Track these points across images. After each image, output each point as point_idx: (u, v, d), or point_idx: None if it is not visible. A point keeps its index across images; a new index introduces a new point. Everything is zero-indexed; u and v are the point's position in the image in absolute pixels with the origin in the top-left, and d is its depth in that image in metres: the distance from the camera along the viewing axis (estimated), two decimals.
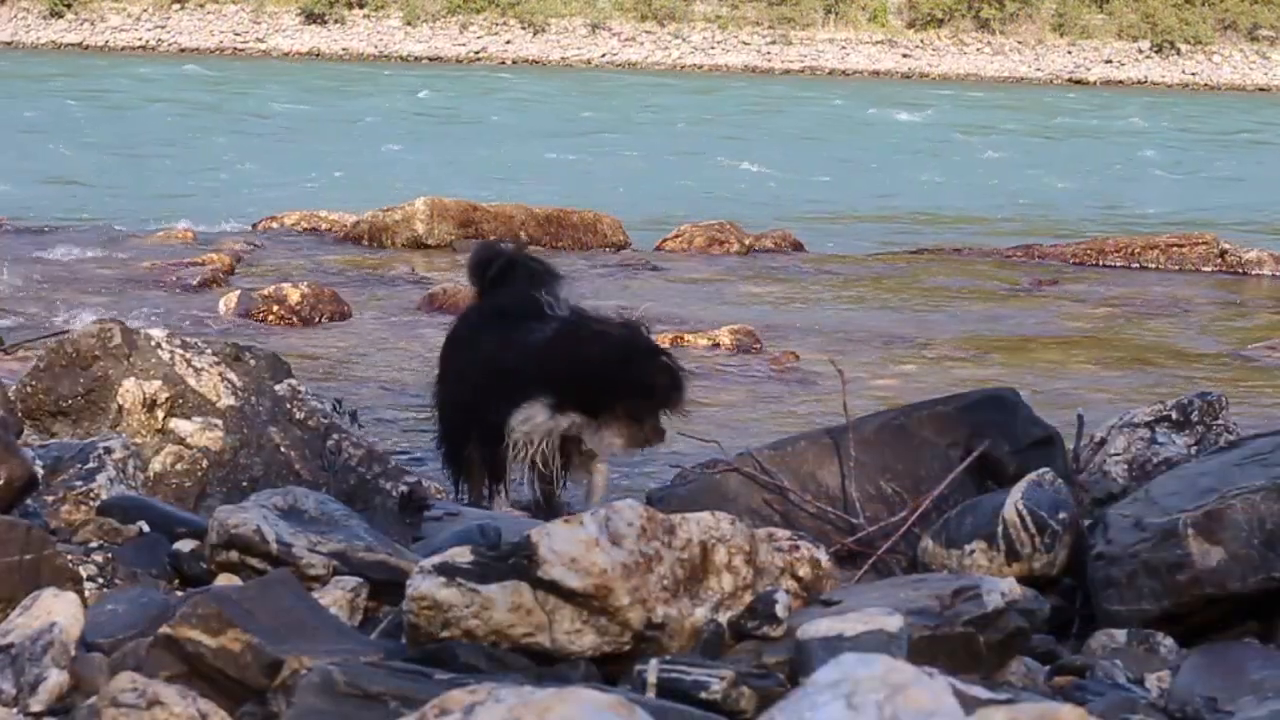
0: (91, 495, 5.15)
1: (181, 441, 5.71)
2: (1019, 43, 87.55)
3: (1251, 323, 13.15)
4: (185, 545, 4.76)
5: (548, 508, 6.70)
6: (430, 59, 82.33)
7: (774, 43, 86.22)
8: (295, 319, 11.69)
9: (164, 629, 3.64)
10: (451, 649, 3.71)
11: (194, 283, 13.13)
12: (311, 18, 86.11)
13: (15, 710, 3.54)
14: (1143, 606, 4.70)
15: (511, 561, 3.83)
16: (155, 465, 5.64)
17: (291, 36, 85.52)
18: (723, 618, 4.00)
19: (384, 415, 8.76)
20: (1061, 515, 5.12)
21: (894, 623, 3.72)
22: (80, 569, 4.41)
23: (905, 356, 11.18)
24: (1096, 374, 10.76)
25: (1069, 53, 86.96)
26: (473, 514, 6.06)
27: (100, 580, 4.52)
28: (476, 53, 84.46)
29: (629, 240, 16.83)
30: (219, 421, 5.78)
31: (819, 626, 3.74)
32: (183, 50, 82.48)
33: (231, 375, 5.93)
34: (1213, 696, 4.05)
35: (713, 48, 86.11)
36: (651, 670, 3.54)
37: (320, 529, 4.61)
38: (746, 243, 16.63)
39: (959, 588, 4.11)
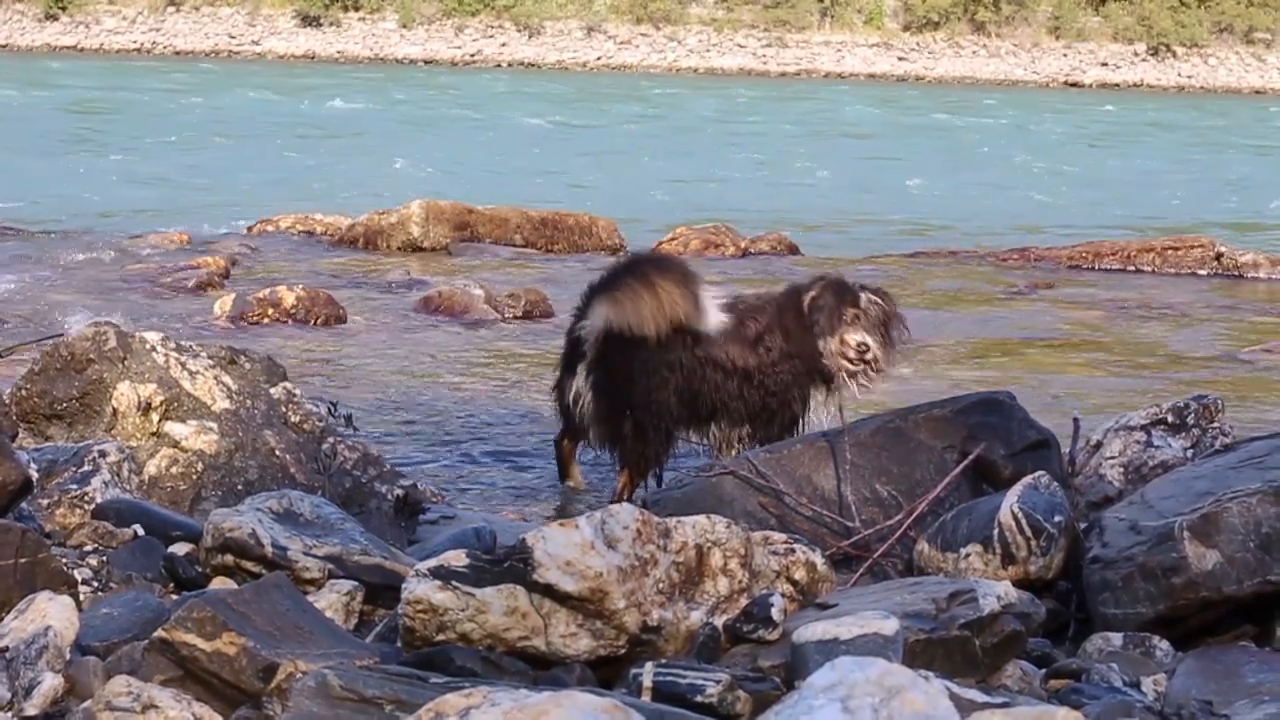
0: (86, 499, 5.15)
1: (176, 445, 5.71)
2: (1015, 45, 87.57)
3: (1247, 325, 13.14)
4: (180, 549, 4.76)
5: None
6: (426, 61, 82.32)
7: (769, 45, 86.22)
8: (290, 322, 11.68)
9: (159, 633, 3.64)
10: (447, 652, 3.71)
11: (189, 286, 13.13)
12: (307, 20, 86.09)
13: (10, 714, 3.54)
14: (1139, 610, 4.70)
15: (507, 565, 3.83)
16: (150, 469, 5.64)
17: (287, 39, 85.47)
18: (718, 621, 4.00)
19: (380, 418, 8.76)
20: (1057, 519, 5.12)
21: (890, 626, 3.72)
22: (75, 573, 4.41)
23: (901, 359, 11.17)
24: (1092, 377, 10.76)
25: (1065, 55, 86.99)
26: (468, 517, 6.06)
27: (95, 584, 4.52)
28: (472, 55, 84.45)
29: (625, 243, 16.82)
30: (214, 425, 5.78)
31: (815, 630, 3.74)
32: (177, 53, 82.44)
33: (226, 378, 5.92)
34: (1208, 700, 4.05)
35: (708, 50, 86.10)
36: (647, 674, 3.54)
37: (316, 532, 4.61)
38: (742, 245, 16.63)
39: (955, 591, 4.11)
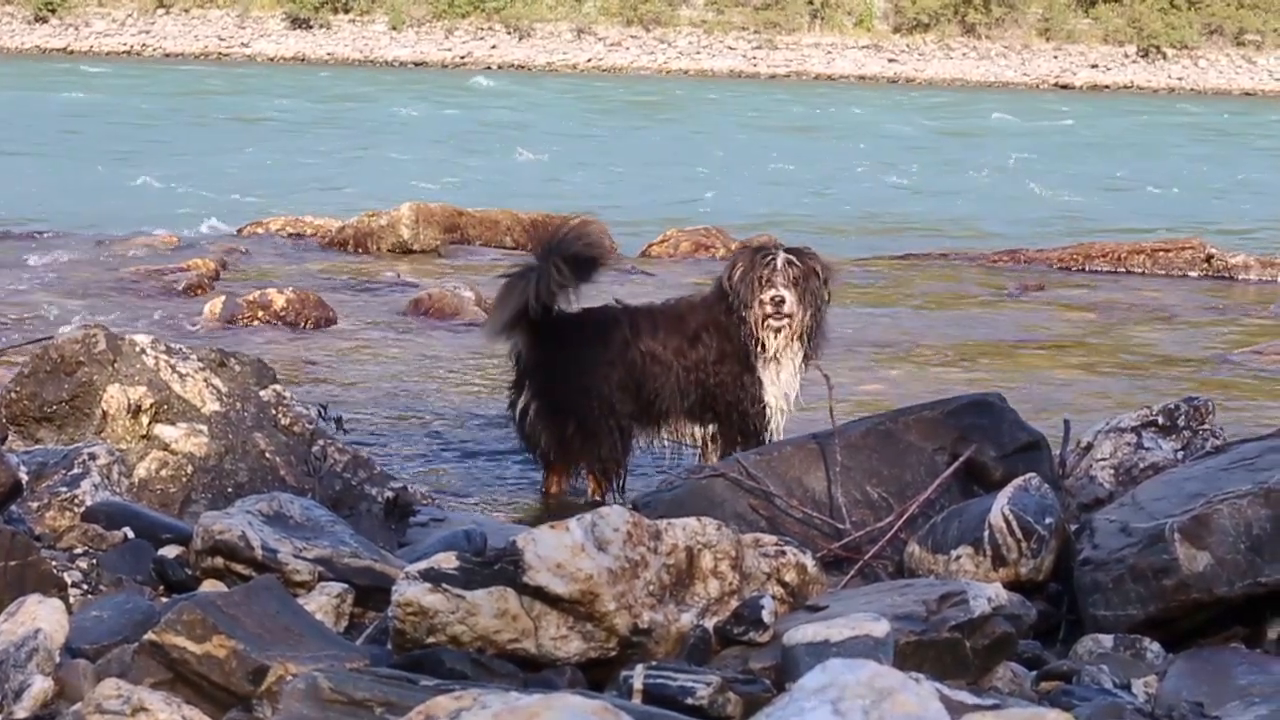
0: (76, 501, 5.14)
1: (166, 447, 5.70)
2: (1005, 47, 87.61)
3: (1238, 327, 13.16)
4: (170, 551, 4.75)
5: None
6: (415, 64, 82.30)
7: (760, 47, 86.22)
8: (281, 324, 11.68)
9: (149, 635, 3.63)
10: (437, 655, 3.70)
11: (179, 288, 13.11)
12: (297, 23, 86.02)
13: (0, 716, 3.53)
14: (1129, 611, 4.70)
15: (497, 567, 3.83)
16: (140, 471, 5.63)
17: (277, 41, 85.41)
18: (709, 623, 4.00)
19: (370, 421, 8.75)
20: (1048, 520, 5.12)
21: (880, 628, 3.72)
22: (65, 575, 4.40)
23: (891, 361, 11.19)
24: (1083, 379, 10.77)
25: (1055, 57, 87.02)
26: (458, 519, 6.06)
27: (85, 587, 4.51)
28: (462, 57, 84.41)
29: (617, 245, 16.80)
30: (204, 427, 5.77)
31: (805, 632, 3.74)
32: (167, 55, 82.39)
33: (216, 381, 5.92)
34: (1199, 701, 4.05)
35: (699, 52, 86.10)
36: (638, 676, 3.54)
37: (306, 535, 4.60)
38: (733, 248, 16.62)
39: (945, 593, 4.11)
